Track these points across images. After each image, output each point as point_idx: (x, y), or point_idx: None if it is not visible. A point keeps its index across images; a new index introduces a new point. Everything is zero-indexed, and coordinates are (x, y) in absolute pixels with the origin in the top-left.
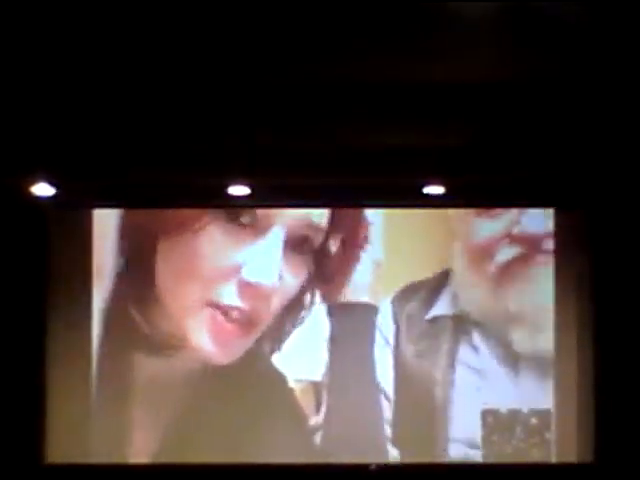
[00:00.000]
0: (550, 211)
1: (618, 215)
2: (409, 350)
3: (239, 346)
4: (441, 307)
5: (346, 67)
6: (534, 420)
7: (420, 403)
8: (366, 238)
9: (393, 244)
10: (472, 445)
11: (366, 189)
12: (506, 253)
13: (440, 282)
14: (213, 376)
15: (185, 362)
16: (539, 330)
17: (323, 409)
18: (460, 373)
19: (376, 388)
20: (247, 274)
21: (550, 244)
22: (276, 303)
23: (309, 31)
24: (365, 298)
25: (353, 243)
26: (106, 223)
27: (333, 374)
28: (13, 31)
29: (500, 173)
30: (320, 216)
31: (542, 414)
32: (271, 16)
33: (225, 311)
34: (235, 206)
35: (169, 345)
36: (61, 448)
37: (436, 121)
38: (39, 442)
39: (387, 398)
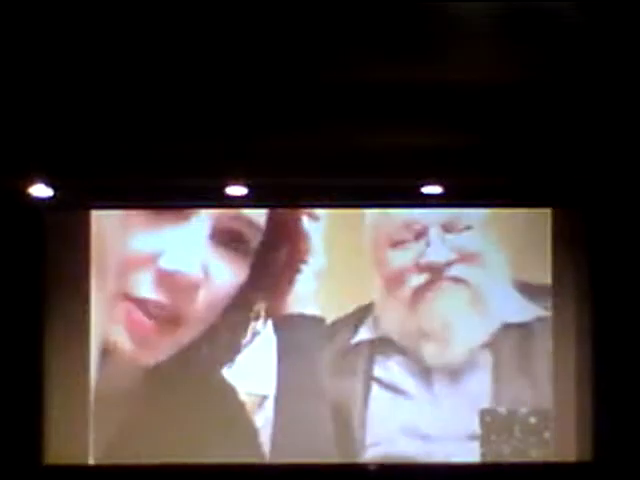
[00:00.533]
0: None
1: (617, 216)
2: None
3: (165, 345)
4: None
5: (345, 67)
6: (533, 419)
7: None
8: (307, 249)
9: (337, 255)
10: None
11: (364, 189)
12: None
13: (364, 314)
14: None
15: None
16: (449, 345)
17: (272, 423)
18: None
19: (324, 401)
20: (166, 263)
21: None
22: (204, 298)
23: (308, 31)
24: (310, 309)
25: (293, 251)
26: (104, 224)
27: (281, 388)
28: (11, 31)
29: (499, 173)
30: (257, 214)
31: (541, 413)
32: (271, 16)
33: (142, 305)
34: (233, 206)
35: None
36: (60, 449)
37: (435, 121)
38: (38, 443)
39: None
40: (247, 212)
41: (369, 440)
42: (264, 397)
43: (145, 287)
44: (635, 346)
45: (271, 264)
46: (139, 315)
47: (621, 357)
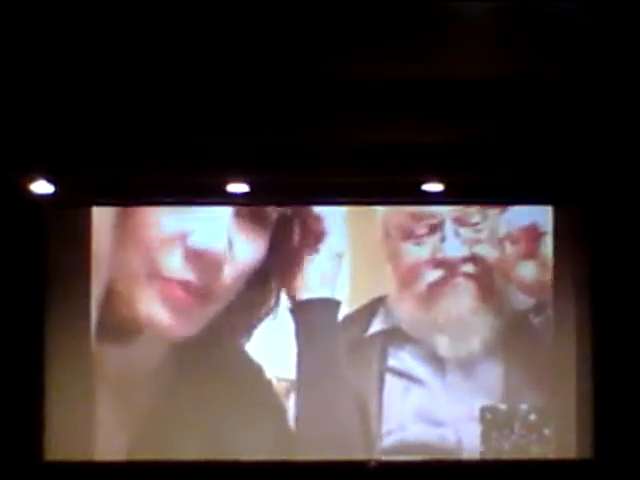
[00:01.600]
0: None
1: (617, 213)
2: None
3: (197, 316)
4: (378, 323)
5: (345, 65)
6: (533, 416)
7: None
8: (323, 232)
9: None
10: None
11: (365, 186)
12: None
13: (376, 307)
14: (183, 363)
15: (149, 347)
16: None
17: (294, 405)
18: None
19: (345, 383)
20: (194, 242)
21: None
22: (230, 272)
23: (308, 29)
24: (327, 292)
25: (310, 233)
26: (105, 220)
27: (301, 371)
28: (12, 29)
29: (499, 170)
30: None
31: (541, 410)
32: (271, 14)
33: (175, 280)
34: (234, 204)
35: (128, 329)
36: (60, 445)
37: (435, 119)
38: (38, 439)
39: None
40: None
41: (385, 427)
42: (292, 382)
43: (175, 265)
44: (635, 343)
45: (287, 242)
46: (173, 291)
47: (621, 354)
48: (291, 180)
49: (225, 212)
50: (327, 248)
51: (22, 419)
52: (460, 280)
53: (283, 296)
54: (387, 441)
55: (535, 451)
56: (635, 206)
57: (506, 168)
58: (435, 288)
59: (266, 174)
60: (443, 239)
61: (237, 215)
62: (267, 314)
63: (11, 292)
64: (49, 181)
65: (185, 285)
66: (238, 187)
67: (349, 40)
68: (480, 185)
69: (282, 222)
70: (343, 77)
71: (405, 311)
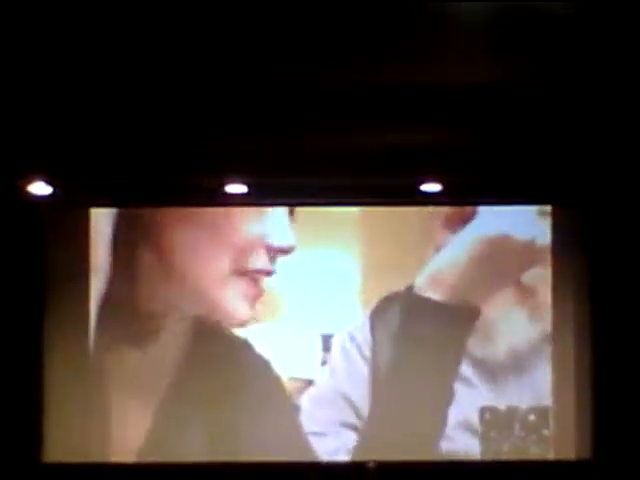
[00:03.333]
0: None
1: (616, 214)
2: (386, 364)
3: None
4: (421, 321)
5: (344, 68)
6: (532, 417)
7: (397, 417)
8: None
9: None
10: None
11: (363, 187)
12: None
13: (420, 293)
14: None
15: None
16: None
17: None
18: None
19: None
20: (274, 241)
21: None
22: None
23: (308, 31)
24: None
25: None
26: (103, 222)
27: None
28: (12, 30)
29: (497, 172)
30: None
31: (540, 411)
32: (270, 16)
33: (258, 276)
34: (232, 205)
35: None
36: (59, 447)
37: (434, 121)
38: (37, 441)
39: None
40: None
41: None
42: (309, 382)
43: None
44: (634, 344)
45: None
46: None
47: (620, 355)
48: (289, 181)
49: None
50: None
51: (21, 421)
52: None
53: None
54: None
55: (534, 452)
56: (634, 208)
57: (504, 169)
58: None
59: (264, 175)
60: None
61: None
62: None
63: (10, 293)
64: (47, 183)
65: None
66: (236, 188)
67: (348, 44)
68: (478, 186)
69: None
70: (342, 80)
71: None
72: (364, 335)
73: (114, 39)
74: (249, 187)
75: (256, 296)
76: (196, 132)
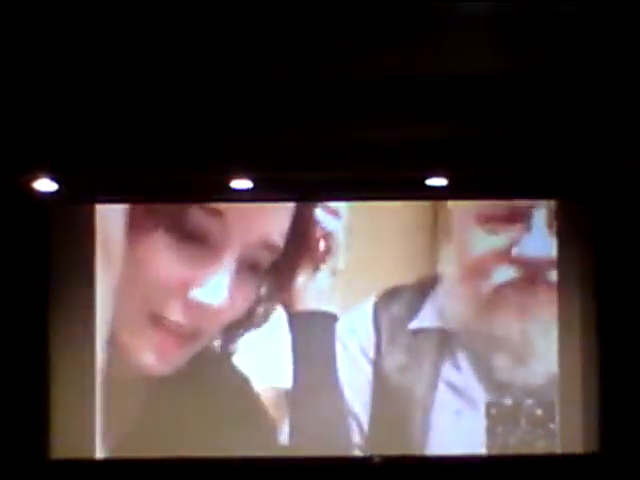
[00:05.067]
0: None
1: (621, 207)
2: (390, 362)
3: (178, 358)
4: (426, 318)
5: (347, 62)
6: (539, 411)
7: (398, 419)
8: (328, 250)
9: (360, 250)
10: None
11: (368, 182)
12: (503, 274)
13: (426, 288)
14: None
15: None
16: (523, 362)
17: (288, 417)
18: (442, 392)
19: (340, 396)
20: (197, 294)
21: (554, 276)
22: (223, 320)
23: (309, 27)
24: (331, 306)
25: (310, 254)
26: (108, 218)
27: (297, 382)
28: (13, 26)
29: (502, 165)
30: (280, 235)
31: (547, 405)
32: (272, 12)
33: (170, 327)
34: (237, 200)
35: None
36: (65, 444)
37: (439, 113)
38: (43, 438)
39: (352, 410)
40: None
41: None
42: (286, 391)
43: (174, 312)
44: None
45: (289, 270)
46: (164, 336)
47: (627, 348)
48: (295, 176)
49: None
50: (328, 265)
51: (27, 418)
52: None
53: (277, 308)
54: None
55: (541, 446)
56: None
57: (510, 162)
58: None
59: (270, 170)
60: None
61: (238, 270)
62: (258, 326)
63: (15, 291)
64: (52, 179)
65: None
66: (241, 184)
67: (350, 38)
68: (484, 179)
69: (280, 258)
70: (345, 74)
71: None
72: (366, 328)
73: (117, 34)
74: (254, 182)
75: (163, 347)
76: (201, 127)
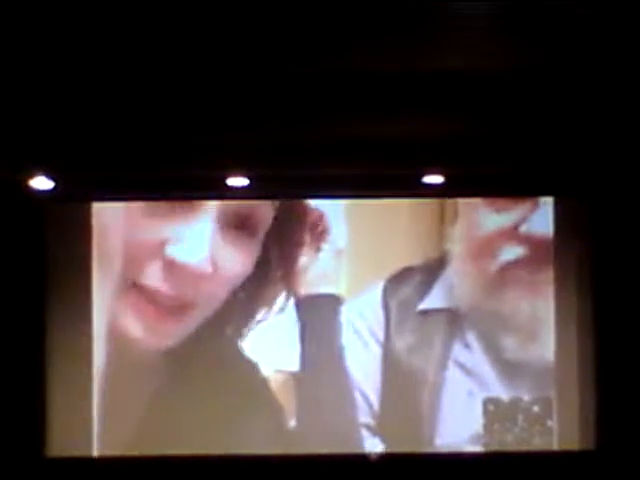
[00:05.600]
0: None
1: (619, 205)
2: (399, 343)
3: (169, 330)
4: (434, 299)
5: (345, 59)
6: (536, 408)
7: (408, 399)
8: (324, 230)
9: (366, 232)
10: (459, 446)
11: (365, 179)
12: (509, 253)
13: (434, 269)
14: (171, 364)
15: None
16: (534, 338)
17: (295, 400)
18: (452, 372)
19: (347, 378)
20: (173, 252)
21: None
22: (213, 289)
23: (307, 24)
24: (339, 289)
25: (308, 234)
26: (105, 216)
27: (303, 366)
28: (11, 26)
29: (500, 162)
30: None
31: (544, 402)
32: (270, 9)
33: (149, 294)
34: (234, 198)
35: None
36: (62, 441)
37: (435, 111)
38: (40, 436)
39: (363, 392)
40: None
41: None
42: (293, 374)
43: (153, 276)
44: (637, 335)
45: (286, 246)
46: (147, 303)
47: (623, 346)
48: (291, 173)
49: (206, 227)
50: (329, 245)
51: (24, 416)
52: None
53: (283, 293)
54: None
55: (538, 443)
56: (638, 198)
57: (507, 160)
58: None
59: (266, 167)
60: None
61: (222, 229)
62: (267, 312)
63: (11, 289)
64: (49, 177)
65: (161, 298)
66: (238, 181)
67: (348, 35)
68: (481, 177)
69: (282, 221)
70: (343, 70)
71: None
72: (375, 311)
73: (114, 33)
74: (250, 180)
75: (147, 317)
76: (198, 125)
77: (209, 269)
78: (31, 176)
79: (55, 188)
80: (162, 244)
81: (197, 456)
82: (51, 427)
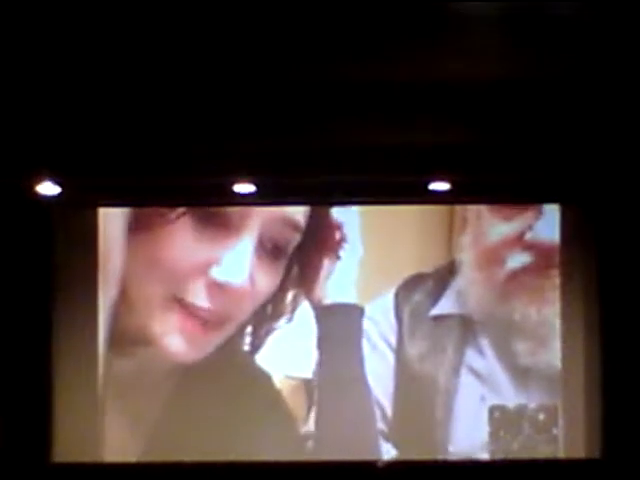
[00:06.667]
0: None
1: (625, 212)
2: (412, 350)
3: (206, 344)
4: (446, 305)
5: (349, 66)
6: (541, 416)
7: (421, 406)
8: (342, 238)
9: (377, 240)
10: (472, 452)
11: (372, 186)
12: (516, 260)
13: (445, 276)
14: (190, 375)
15: (152, 361)
16: (543, 344)
17: (314, 409)
18: (465, 378)
19: (366, 388)
20: (216, 273)
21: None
22: (248, 304)
23: (311, 31)
24: (350, 297)
25: (329, 244)
26: (112, 221)
27: (322, 375)
28: (15, 28)
29: (505, 170)
30: (299, 214)
31: (549, 410)
32: (274, 15)
33: (192, 310)
34: (240, 204)
35: (134, 342)
36: (68, 447)
37: (442, 118)
38: (47, 441)
39: (377, 398)
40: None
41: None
42: (307, 381)
43: (197, 294)
44: None
45: (309, 257)
46: (189, 318)
47: (630, 353)
48: (298, 181)
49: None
50: (349, 254)
51: (30, 421)
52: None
53: (301, 302)
54: None
55: (544, 451)
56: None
57: (513, 167)
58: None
59: (272, 174)
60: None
61: (258, 249)
62: (284, 321)
63: (18, 294)
64: (55, 182)
65: (202, 315)
66: (244, 187)
67: (353, 42)
68: (487, 184)
69: (307, 233)
70: (349, 78)
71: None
72: (387, 318)
73: (120, 39)
74: (257, 186)
75: (188, 332)
76: (204, 131)
77: (250, 288)
78: (38, 181)
79: (61, 193)
80: (205, 265)
81: (206, 463)
82: (57, 433)
